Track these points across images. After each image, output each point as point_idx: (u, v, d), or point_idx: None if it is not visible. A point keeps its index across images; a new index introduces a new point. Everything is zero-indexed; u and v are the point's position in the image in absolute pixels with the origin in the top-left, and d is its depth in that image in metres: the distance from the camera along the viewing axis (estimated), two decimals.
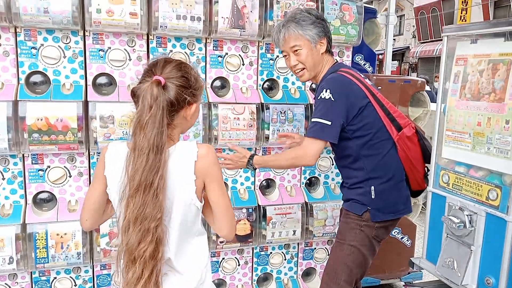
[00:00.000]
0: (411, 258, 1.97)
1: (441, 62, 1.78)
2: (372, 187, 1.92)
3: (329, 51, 2.00)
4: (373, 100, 1.92)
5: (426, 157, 2.01)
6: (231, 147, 2.12)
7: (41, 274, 2.21)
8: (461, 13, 15.13)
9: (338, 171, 2.23)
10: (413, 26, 20.83)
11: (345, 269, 1.94)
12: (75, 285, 2.27)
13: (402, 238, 2.80)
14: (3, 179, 2.11)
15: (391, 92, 2.67)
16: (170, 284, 1.32)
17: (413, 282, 2.75)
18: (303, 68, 1.96)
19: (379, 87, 2.63)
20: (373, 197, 1.92)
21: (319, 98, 1.87)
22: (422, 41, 19.92)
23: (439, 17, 17.77)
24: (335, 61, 2.04)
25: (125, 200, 1.23)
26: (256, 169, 2.13)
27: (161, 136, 1.22)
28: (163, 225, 1.24)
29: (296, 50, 1.93)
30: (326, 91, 1.84)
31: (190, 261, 1.36)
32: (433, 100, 3.65)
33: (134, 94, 1.28)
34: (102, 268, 2.30)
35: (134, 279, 1.21)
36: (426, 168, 2.07)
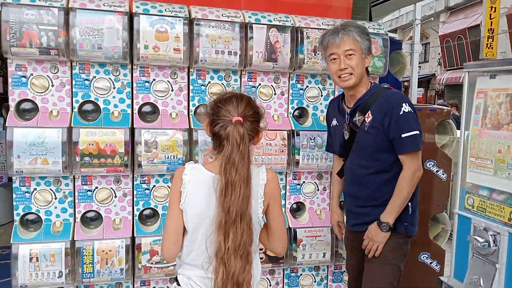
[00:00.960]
0: (439, 277, 2.03)
1: (463, 95, 1.91)
2: (409, 203, 1.97)
3: (367, 70, 2.08)
4: None
5: None
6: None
7: None
8: (488, 41, 15.09)
9: (356, 191, 2.16)
10: (439, 53, 20.81)
11: (395, 285, 2.01)
12: None
13: (431, 263, 2.83)
14: (55, 198, 2.30)
15: None
16: None
17: None
18: (351, 73, 1.99)
19: None
20: (410, 212, 1.98)
21: (401, 113, 1.90)
22: (448, 68, 19.85)
23: (465, 45, 17.75)
24: (370, 81, 2.11)
25: (221, 229, 1.37)
26: (391, 226, 1.98)
27: (248, 169, 1.40)
28: None
29: (350, 55, 1.96)
30: (406, 105, 1.91)
31: (253, 277, 1.46)
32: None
33: (214, 134, 1.46)
34: (142, 284, 2.44)
35: None
36: None
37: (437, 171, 2.82)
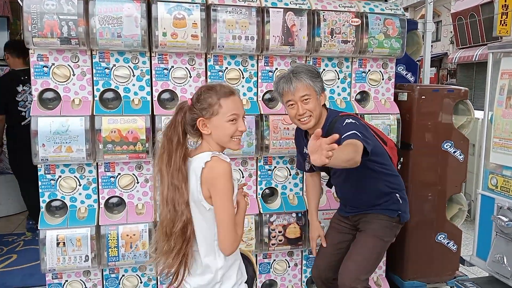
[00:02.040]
0: (461, 256, 2.06)
1: (487, 75, 1.89)
2: (397, 195, 2.21)
3: (324, 104, 2.16)
4: (369, 126, 2.21)
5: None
6: None
7: (111, 272, 2.45)
8: (501, 18, 14.74)
9: (345, 199, 2.36)
10: (451, 32, 20.43)
11: (379, 258, 2.24)
12: (141, 282, 2.49)
13: (448, 243, 2.86)
14: (80, 185, 2.36)
15: (434, 102, 2.76)
16: (193, 271, 1.61)
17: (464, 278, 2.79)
18: (310, 116, 2.07)
19: (423, 97, 2.74)
20: (401, 202, 2.21)
21: (343, 124, 1.97)
22: (460, 47, 19.50)
23: (477, 22, 17.38)
24: (327, 108, 2.20)
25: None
26: None
27: (178, 156, 1.58)
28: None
29: (306, 99, 2.03)
30: (348, 119, 2.01)
31: (209, 260, 1.57)
32: None
33: None
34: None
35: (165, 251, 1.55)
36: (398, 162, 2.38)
37: (454, 152, 2.81)
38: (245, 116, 1.64)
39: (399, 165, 2.39)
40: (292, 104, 2.07)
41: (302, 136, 2.30)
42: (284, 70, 2.55)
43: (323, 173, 2.48)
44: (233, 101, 1.56)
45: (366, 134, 1.96)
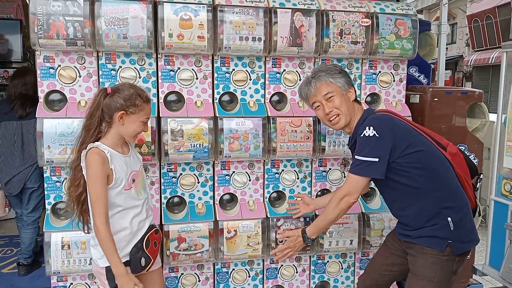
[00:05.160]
0: (473, 265, 1.98)
1: (500, 76, 1.82)
2: (449, 218, 1.84)
3: (357, 100, 2.06)
4: (416, 128, 1.95)
5: (472, 172, 1.99)
6: (280, 238, 2.35)
7: None
8: None
9: (393, 213, 2.10)
10: (467, 34, 20.12)
11: None
12: None
13: None
14: None
15: (448, 104, 2.69)
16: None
17: None
18: (338, 114, 1.98)
19: (435, 99, 2.67)
20: (452, 228, 1.83)
21: (361, 136, 1.86)
22: (476, 49, 19.18)
23: (494, 24, 17.08)
24: (364, 108, 2.06)
25: None
26: (314, 240, 2.10)
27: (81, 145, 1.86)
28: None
29: (330, 97, 1.97)
30: (369, 129, 1.84)
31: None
32: None
33: None
34: (170, 270, 2.48)
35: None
36: (473, 183, 2.02)
37: (468, 155, 2.73)
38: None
39: (478, 181, 2.00)
40: (318, 106, 2.03)
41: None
42: (292, 71, 2.51)
43: None
44: (149, 107, 1.88)
45: (380, 151, 1.81)
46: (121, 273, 1.76)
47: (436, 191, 1.85)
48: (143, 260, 1.86)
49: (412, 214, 1.90)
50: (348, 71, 2.58)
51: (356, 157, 1.87)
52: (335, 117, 2.00)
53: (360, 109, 2.06)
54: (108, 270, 1.80)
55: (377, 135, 1.82)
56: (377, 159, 1.82)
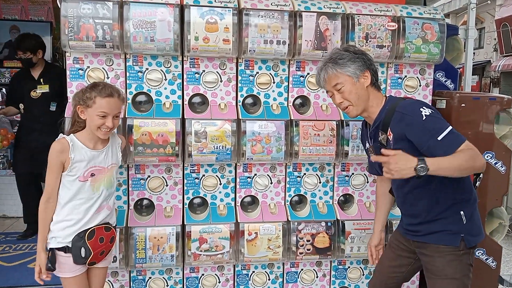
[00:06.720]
0: (500, 275, 1.92)
1: None
2: (462, 212, 1.83)
3: (374, 84, 1.97)
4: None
5: None
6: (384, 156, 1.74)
7: (138, 274, 2.46)
8: None
9: (402, 205, 2.04)
10: (495, 39, 19.63)
11: None
12: (167, 285, 2.49)
13: (486, 259, 2.70)
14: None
15: (475, 110, 2.63)
16: None
17: None
18: (349, 105, 1.95)
19: (463, 105, 2.62)
20: (464, 222, 1.83)
21: (424, 119, 1.75)
22: (504, 54, 18.69)
23: None
24: (385, 95, 2.00)
25: None
26: (422, 176, 1.65)
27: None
28: None
29: (339, 88, 1.93)
30: (424, 109, 1.77)
31: None
32: None
33: None
34: (191, 271, 2.50)
35: None
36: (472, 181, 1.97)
37: (496, 163, 2.67)
38: (118, 116, 1.97)
39: (478, 181, 1.96)
40: (331, 95, 2.01)
41: (364, 131, 2.15)
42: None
43: None
44: (107, 102, 1.90)
45: (446, 121, 1.74)
46: (40, 250, 1.95)
47: (452, 182, 1.81)
48: (83, 250, 1.93)
49: (426, 205, 1.88)
50: None
51: (442, 135, 1.71)
52: (346, 108, 1.97)
53: (378, 95, 1.97)
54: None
55: (432, 111, 1.78)
56: (451, 127, 1.74)
